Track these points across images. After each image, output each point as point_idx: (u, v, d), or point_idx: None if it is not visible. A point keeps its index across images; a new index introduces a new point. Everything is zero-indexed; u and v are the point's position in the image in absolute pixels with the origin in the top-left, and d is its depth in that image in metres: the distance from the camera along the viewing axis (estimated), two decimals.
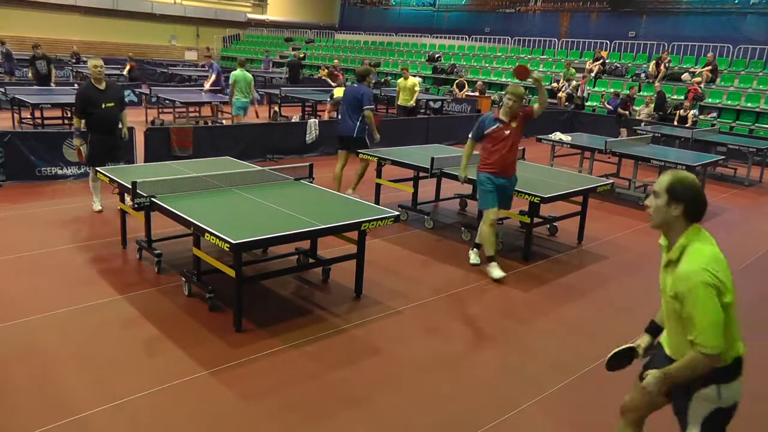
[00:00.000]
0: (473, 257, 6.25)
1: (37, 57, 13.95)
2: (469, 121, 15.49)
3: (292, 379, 3.93)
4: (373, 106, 8.19)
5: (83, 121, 6.83)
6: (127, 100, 15.58)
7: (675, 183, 2.43)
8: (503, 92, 5.88)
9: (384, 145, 9.35)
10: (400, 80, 14.68)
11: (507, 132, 5.79)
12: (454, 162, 7.28)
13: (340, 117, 8.35)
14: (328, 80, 19.16)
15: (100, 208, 7.16)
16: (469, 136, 6.05)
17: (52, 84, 14.27)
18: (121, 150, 7.16)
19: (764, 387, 4.19)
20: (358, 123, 8.03)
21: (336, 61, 22.03)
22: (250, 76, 12.00)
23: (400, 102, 14.49)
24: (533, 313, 5.18)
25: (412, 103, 14.45)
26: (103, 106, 6.75)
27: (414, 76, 21.92)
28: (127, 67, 20.26)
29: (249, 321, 4.62)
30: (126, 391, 3.64)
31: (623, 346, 2.81)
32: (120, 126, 7.04)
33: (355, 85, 8.27)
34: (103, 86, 6.81)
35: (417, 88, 14.64)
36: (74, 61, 24.24)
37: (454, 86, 19.68)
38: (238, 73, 11.53)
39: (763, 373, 4.26)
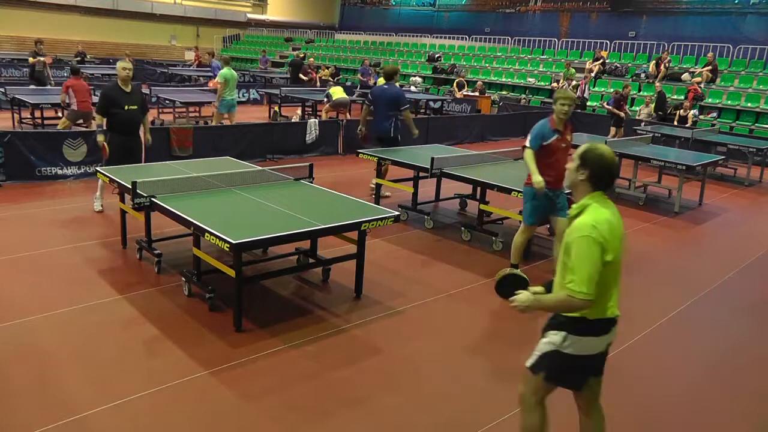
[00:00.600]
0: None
1: (39, 54, 13.98)
2: (469, 120, 15.52)
3: (292, 379, 3.93)
4: (409, 105, 8.44)
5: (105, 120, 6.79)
6: None
7: (587, 151, 2.68)
8: (554, 98, 5.45)
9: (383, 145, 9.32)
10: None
11: (563, 144, 5.47)
12: (454, 162, 7.29)
13: (373, 118, 8.45)
14: (301, 76, 18.80)
15: (100, 208, 7.16)
16: (528, 145, 5.43)
17: (50, 84, 14.26)
18: (139, 152, 7.09)
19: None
20: (393, 122, 8.17)
21: (311, 59, 21.41)
22: (236, 74, 11.94)
23: None
24: (533, 313, 5.15)
25: None
26: (126, 108, 6.73)
27: (413, 75, 21.99)
28: None
29: (249, 321, 4.61)
30: (126, 391, 3.64)
31: (517, 272, 2.93)
32: (141, 130, 7.01)
33: (385, 85, 8.41)
34: (128, 88, 6.79)
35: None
36: (79, 60, 24.00)
37: (454, 86, 19.69)
38: (226, 71, 11.50)
39: None
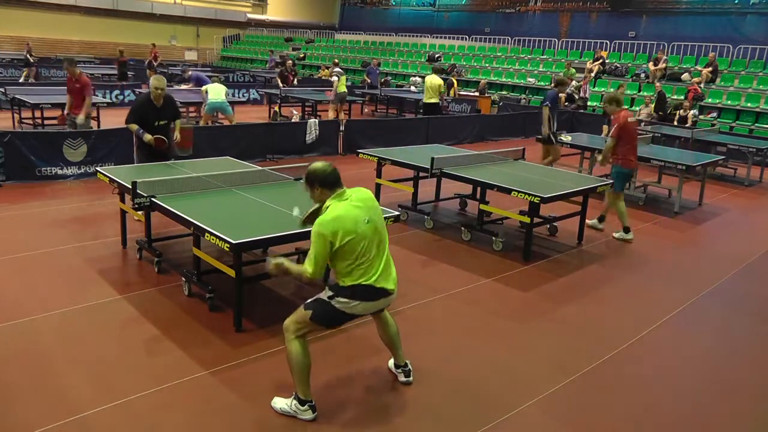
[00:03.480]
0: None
1: None
2: (469, 120, 15.50)
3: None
4: (546, 104, 9.79)
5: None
6: (127, 99, 15.53)
7: (305, 175, 3.45)
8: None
9: (384, 145, 9.36)
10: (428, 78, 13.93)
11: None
12: (454, 162, 7.29)
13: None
14: (279, 82, 18.13)
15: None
16: None
17: None
18: (169, 154, 7.03)
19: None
20: (549, 120, 9.57)
21: (290, 62, 20.37)
22: (224, 87, 12.26)
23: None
24: (533, 313, 5.18)
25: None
26: (156, 124, 6.74)
27: (413, 75, 21.98)
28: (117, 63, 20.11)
29: (249, 321, 4.62)
30: (126, 391, 3.64)
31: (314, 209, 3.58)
32: (173, 136, 7.01)
33: (548, 90, 10.21)
34: (160, 104, 6.75)
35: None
36: (28, 57, 22.41)
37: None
38: (209, 85, 12.22)
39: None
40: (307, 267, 3.33)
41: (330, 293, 3.45)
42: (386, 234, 3.55)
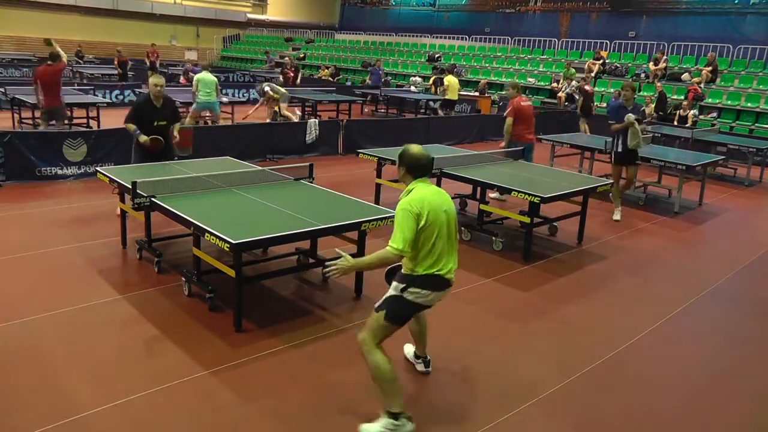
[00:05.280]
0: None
1: None
2: (469, 120, 15.51)
3: (292, 379, 3.92)
4: (611, 120, 8.10)
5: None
6: (127, 99, 15.48)
7: (400, 153, 3.51)
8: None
9: (384, 145, 9.34)
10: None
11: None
12: (454, 162, 7.29)
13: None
14: (280, 78, 18.16)
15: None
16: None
17: None
18: (170, 155, 6.95)
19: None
20: (614, 137, 8.15)
21: (287, 58, 20.62)
22: (214, 77, 11.92)
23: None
24: (533, 313, 5.18)
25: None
26: (155, 124, 6.68)
27: (413, 76, 21.97)
28: (116, 62, 20.17)
29: (249, 321, 4.62)
30: (126, 391, 3.65)
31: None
32: (172, 137, 6.95)
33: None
34: (159, 104, 6.73)
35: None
36: (77, 59, 23.70)
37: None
38: (200, 75, 11.78)
39: None
40: (393, 244, 3.27)
41: (402, 286, 3.41)
42: (456, 230, 3.57)
